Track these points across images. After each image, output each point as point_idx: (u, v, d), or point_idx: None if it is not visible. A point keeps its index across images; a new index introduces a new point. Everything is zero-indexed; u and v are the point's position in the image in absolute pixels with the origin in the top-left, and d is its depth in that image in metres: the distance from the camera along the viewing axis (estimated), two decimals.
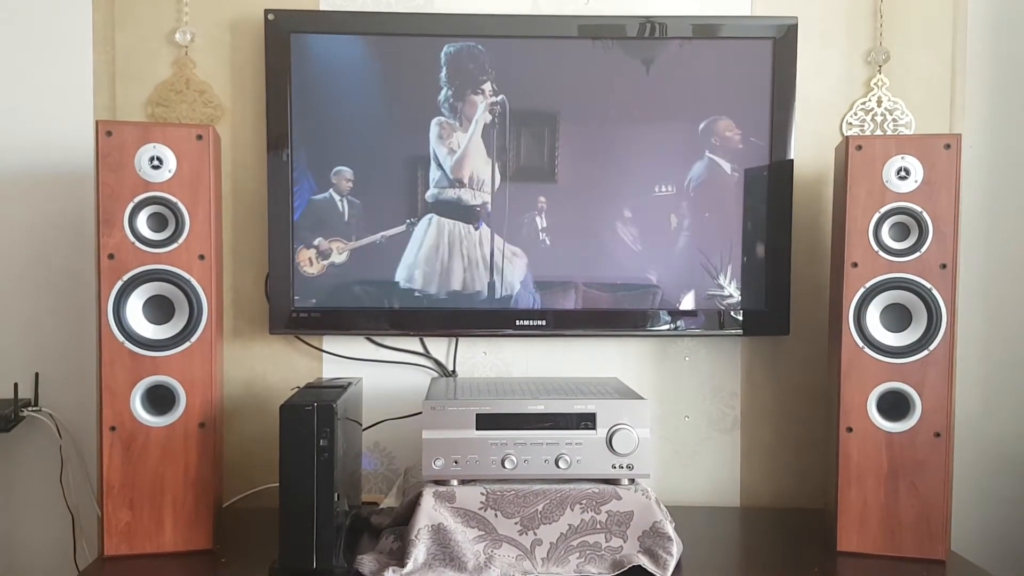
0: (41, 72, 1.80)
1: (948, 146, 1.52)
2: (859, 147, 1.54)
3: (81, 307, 1.80)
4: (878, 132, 1.84)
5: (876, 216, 1.53)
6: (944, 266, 1.52)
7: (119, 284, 1.51)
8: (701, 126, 1.77)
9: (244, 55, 1.80)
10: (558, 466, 1.47)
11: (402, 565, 1.39)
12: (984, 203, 1.87)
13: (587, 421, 1.48)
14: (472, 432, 1.47)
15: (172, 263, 1.52)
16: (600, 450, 1.47)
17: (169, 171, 1.52)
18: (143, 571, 1.48)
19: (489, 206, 1.77)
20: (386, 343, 1.85)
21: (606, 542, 1.44)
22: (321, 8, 1.81)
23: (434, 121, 1.75)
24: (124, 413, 1.51)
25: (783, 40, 1.76)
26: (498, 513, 1.44)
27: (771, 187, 1.77)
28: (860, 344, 1.54)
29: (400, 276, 1.77)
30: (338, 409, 1.39)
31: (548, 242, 1.78)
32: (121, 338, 1.51)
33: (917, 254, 1.53)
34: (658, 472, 1.85)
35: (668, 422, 1.87)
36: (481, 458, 1.46)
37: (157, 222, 1.53)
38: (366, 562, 1.41)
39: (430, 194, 1.76)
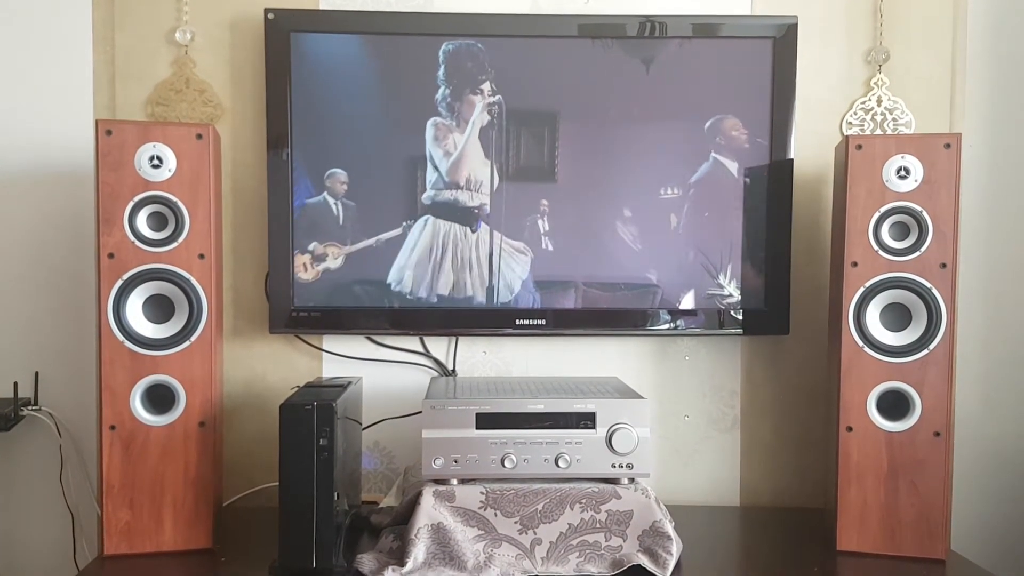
0: (41, 71, 1.80)
1: (948, 145, 1.52)
2: (859, 146, 1.54)
3: (81, 306, 1.80)
4: (878, 132, 1.84)
5: (876, 215, 1.53)
6: (944, 265, 1.52)
7: (119, 283, 1.51)
8: (707, 125, 1.76)
9: (244, 54, 1.80)
10: (558, 465, 1.47)
11: (402, 564, 1.39)
12: (984, 202, 1.87)
13: (587, 420, 1.48)
14: (472, 431, 1.47)
15: (172, 262, 1.52)
16: (600, 449, 1.47)
17: (169, 170, 1.52)
18: (143, 570, 1.48)
19: (488, 207, 1.77)
20: (386, 342, 1.85)
21: (606, 541, 1.44)
22: (321, 7, 1.81)
23: (430, 122, 1.75)
24: (124, 412, 1.51)
25: (783, 40, 1.76)
26: (498, 512, 1.44)
27: (771, 186, 1.77)
28: (860, 343, 1.54)
29: (392, 278, 1.76)
30: (338, 408, 1.39)
31: (551, 247, 1.77)
32: (121, 337, 1.51)
33: (917, 253, 1.53)
34: (658, 471, 1.85)
35: (668, 421, 1.87)
36: (481, 457, 1.46)
37: (157, 221, 1.53)
38: (366, 561, 1.41)
39: (427, 196, 1.76)
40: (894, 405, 1.55)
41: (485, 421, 1.47)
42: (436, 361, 1.86)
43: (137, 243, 1.51)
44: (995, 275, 1.88)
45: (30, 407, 1.75)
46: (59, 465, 1.78)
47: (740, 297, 1.79)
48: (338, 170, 1.75)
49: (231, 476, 1.78)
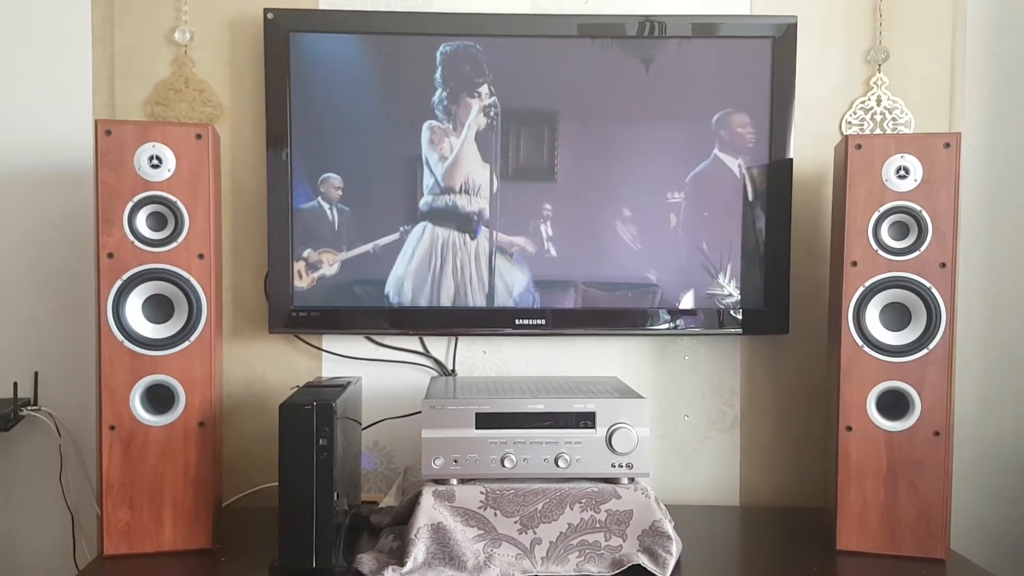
0: (40, 71, 1.80)
1: (947, 145, 1.52)
2: (858, 146, 1.54)
3: (80, 306, 1.80)
4: (877, 131, 1.84)
5: (875, 215, 1.53)
6: (943, 265, 1.52)
7: (118, 283, 1.50)
8: (714, 119, 1.76)
9: (243, 54, 1.80)
10: (557, 465, 1.47)
11: (401, 564, 1.39)
12: (983, 202, 1.87)
13: (587, 420, 1.48)
14: (471, 431, 1.47)
15: (171, 262, 1.52)
16: (600, 449, 1.47)
17: (168, 170, 1.52)
18: (142, 570, 1.48)
19: (487, 212, 1.76)
20: (386, 342, 1.85)
21: (605, 541, 1.44)
22: (320, 7, 1.81)
23: (425, 125, 1.74)
24: (123, 412, 1.51)
25: (782, 39, 1.76)
26: (497, 512, 1.44)
27: (770, 186, 1.77)
28: (859, 343, 1.54)
29: (389, 289, 1.76)
30: (337, 408, 1.39)
31: (554, 252, 1.77)
32: (120, 337, 1.51)
33: (916, 253, 1.53)
34: (657, 471, 1.85)
35: (667, 421, 1.87)
36: (480, 457, 1.46)
37: (156, 221, 1.53)
38: (365, 561, 1.41)
39: (424, 202, 1.75)
40: (894, 405, 1.55)
41: (485, 421, 1.47)
42: (436, 361, 1.86)
43: (136, 243, 1.51)
44: (994, 274, 1.88)
45: (30, 407, 1.75)
46: (59, 465, 1.78)
47: (740, 297, 1.79)
48: (332, 175, 1.74)
49: (231, 476, 1.78)
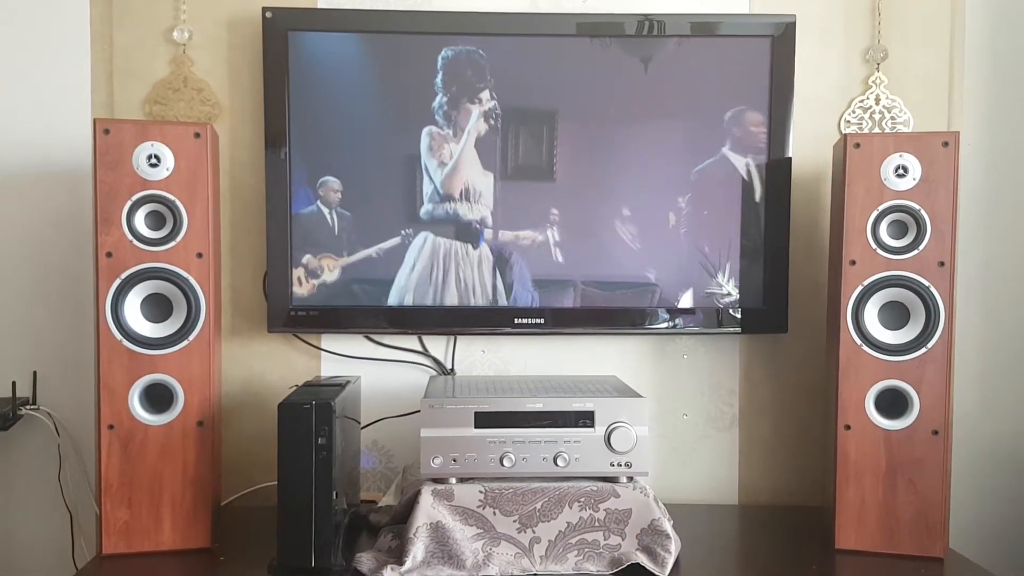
0: (39, 70, 1.80)
1: (946, 144, 1.52)
2: (857, 145, 1.54)
3: (79, 305, 1.80)
4: (876, 130, 1.84)
5: (874, 214, 1.53)
6: (942, 264, 1.52)
7: (117, 282, 1.50)
8: (727, 116, 1.75)
9: (242, 53, 1.80)
10: (556, 464, 1.47)
11: (400, 563, 1.39)
12: (982, 201, 1.87)
13: (585, 419, 1.48)
14: (470, 430, 1.47)
15: (170, 261, 1.52)
16: (598, 448, 1.47)
17: (167, 169, 1.52)
18: (141, 569, 1.48)
19: (489, 220, 1.76)
20: (385, 341, 1.85)
21: (604, 540, 1.44)
22: (319, 6, 1.81)
23: (425, 131, 1.74)
24: (122, 411, 1.51)
25: (781, 38, 1.76)
26: (496, 511, 1.44)
27: (769, 185, 1.77)
28: (858, 342, 1.54)
29: (392, 301, 1.76)
30: (336, 407, 1.39)
31: (561, 258, 1.77)
32: (119, 336, 1.50)
33: (915, 252, 1.53)
34: (656, 470, 1.85)
35: (666, 420, 1.87)
36: (479, 456, 1.46)
37: (155, 220, 1.53)
38: (365, 560, 1.41)
39: (424, 210, 1.74)
40: (892, 403, 1.55)
41: (484, 420, 1.47)
42: (435, 360, 1.86)
43: (135, 242, 1.51)
44: (993, 273, 1.88)
45: (28, 406, 1.75)
46: (57, 464, 1.78)
47: (739, 296, 1.79)
48: (331, 178, 1.74)
49: (229, 475, 1.77)
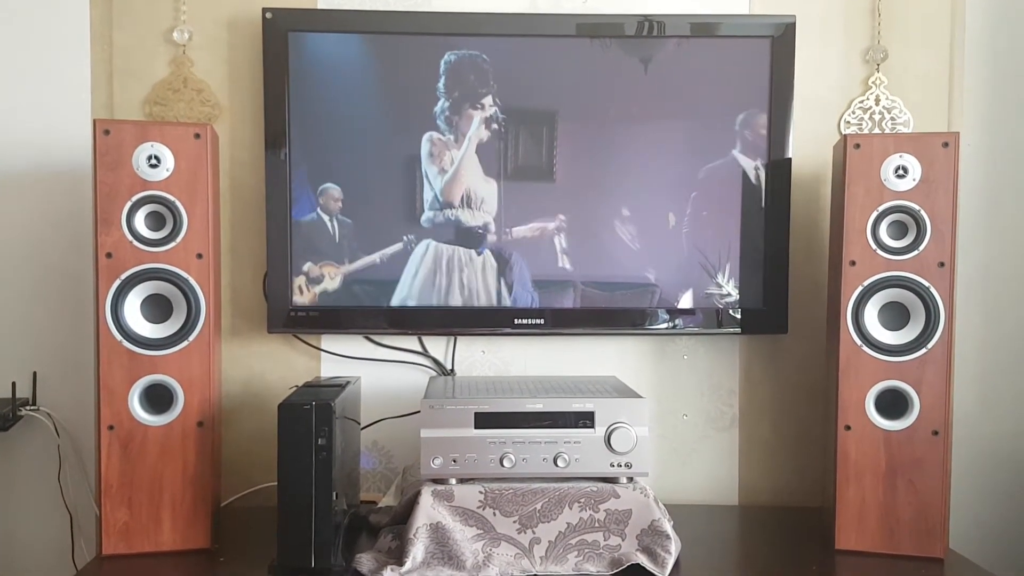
0: (39, 70, 1.80)
1: (946, 144, 1.52)
2: (857, 145, 1.54)
3: (79, 306, 1.80)
4: (876, 131, 1.84)
5: (874, 214, 1.53)
6: (942, 264, 1.52)
7: (117, 283, 1.50)
8: (738, 119, 1.75)
9: (242, 53, 1.80)
10: (556, 465, 1.47)
11: (400, 564, 1.39)
12: (982, 201, 1.87)
13: (585, 420, 1.48)
14: (470, 431, 1.47)
15: (170, 262, 1.52)
16: (598, 448, 1.47)
17: (167, 170, 1.52)
18: (141, 570, 1.48)
19: (492, 226, 1.75)
20: (384, 342, 1.85)
21: (604, 540, 1.44)
22: (319, 7, 1.81)
23: (425, 137, 1.74)
24: (122, 412, 1.51)
25: (781, 39, 1.76)
26: (496, 512, 1.44)
27: (769, 185, 1.77)
28: (858, 342, 1.54)
29: (395, 305, 1.76)
30: (336, 408, 1.39)
31: (568, 265, 1.76)
32: (119, 337, 1.50)
33: (915, 252, 1.53)
34: (656, 470, 1.85)
35: (666, 420, 1.87)
36: (479, 457, 1.46)
37: (155, 221, 1.53)
38: (364, 561, 1.41)
39: (425, 218, 1.74)
40: (892, 404, 1.55)
41: (484, 420, 1.47)
42: (434, 361, 1.86)
43: (135, 243, 1.51)
44: (993, 273, 1.88)
45: (28, 407, 1.75)
46: (57, 465, 1.78)
47: (738, 296, 1.79)
48: (332, 185, 1.73)
49: (229, 476, 1.77)
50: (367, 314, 1.77)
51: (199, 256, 1.53)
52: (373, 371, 1.83)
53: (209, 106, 1.80)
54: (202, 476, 1.54)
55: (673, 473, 1.87)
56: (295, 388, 1.51)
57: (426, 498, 1.43)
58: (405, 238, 1.74)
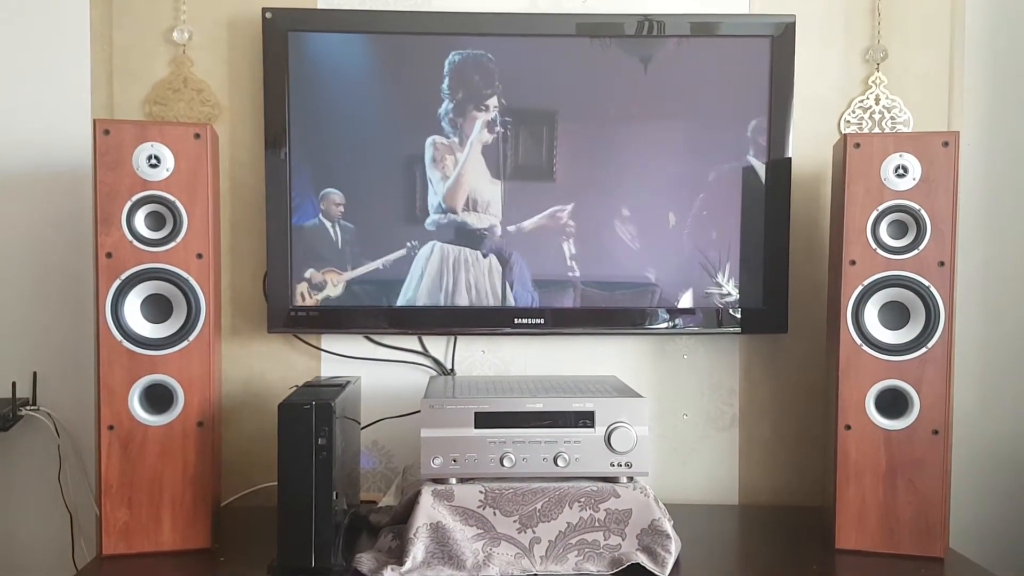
0: (39, 70, 1.80)
1: (946, 144, 1.52)
2: (857, 145, 1.54)
3: (79, 306, 1.80)
4: (876, 130, 1.84)
5: (874, 214, 1.53)
6: (942, 264, 1.52)
7: (117, 283, 1.50)
8: (751, 125, 1.75)
9: (242, 53, 1.80)
10: (557, 464, 1.47)
11: (401, 563, 1.39)
12: (982, 200, 1.87)
13: (586, 419, 1.48)
14: (471, 430, 1.47)
15: (170, 262, 1.52)
16: (599, 448, 1.47)
17: (167, 170, 1.52)
18: (141, 570, 1.48)
19: (497, 229, 1.75)
20: (385, 342, 1.85)
21: (605, 540, 1.44)
22: (319, 6, 1.81)
23: (429, 141, 1.73)
24: (122, 412, 1.51)
25: (781, 38, 1.76)
26: (497, 511, 1.44)
27: (769, 185, 1.77)
28: (858, 342, 1.54)
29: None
30: (336, 408, 1.39)
31: (578, 271, 1.76)
32: (119, 337, 1.50)
33: (915, 252, 1.53)
34: (656, 470, 1.85)
35: (666, 420, 1.87)
36: (480, 456, 1.46)
37: (155, 221, 1.53)
38: (365, 560, 1.41)
39: (430, 221, 1.74)
40: (892, 403, 1.55)
41: (484, 420, 1.47)
42: (435, 360, 1.86)
43: (135, 243, 1.51)
44: (993, 273, 1.88)
45: (28, 407, 1.75)
46: (57, 465, 1.78)
47: (738, 296, 1.79)
48: (332, 190, 1.73)
49: (229, 476, 1.77)
50: (367, 314, 1.77)
51: (199, 256, 1.53)
52: (373, 371, 1.83)
53: (209, 106, 1.80)
54: (202, 476, 1.54)
55: (673, 473, 1.87)
56: (295, 388, 1.52)
57: (426, 498, 1.43)
58: (408, 244, 1.74)
